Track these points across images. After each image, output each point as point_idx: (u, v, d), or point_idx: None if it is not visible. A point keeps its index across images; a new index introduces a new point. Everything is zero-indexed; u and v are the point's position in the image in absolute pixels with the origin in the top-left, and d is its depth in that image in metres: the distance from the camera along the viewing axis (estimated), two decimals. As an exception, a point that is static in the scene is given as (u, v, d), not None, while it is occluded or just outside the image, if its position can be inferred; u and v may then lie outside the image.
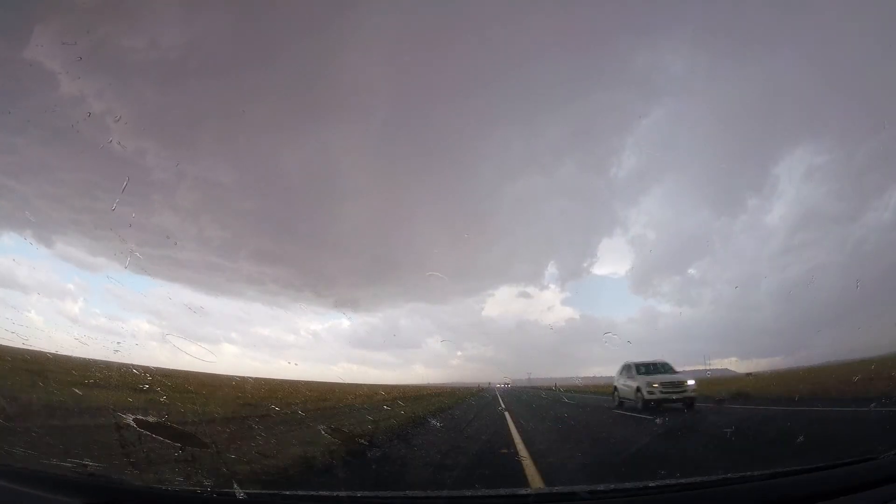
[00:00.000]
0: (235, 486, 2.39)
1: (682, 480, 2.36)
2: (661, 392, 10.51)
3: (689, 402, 10.28)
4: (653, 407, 10.39)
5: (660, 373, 11.40)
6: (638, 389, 11.18)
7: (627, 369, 12.29)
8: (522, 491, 3.20)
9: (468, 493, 2.95)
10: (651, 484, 2.31)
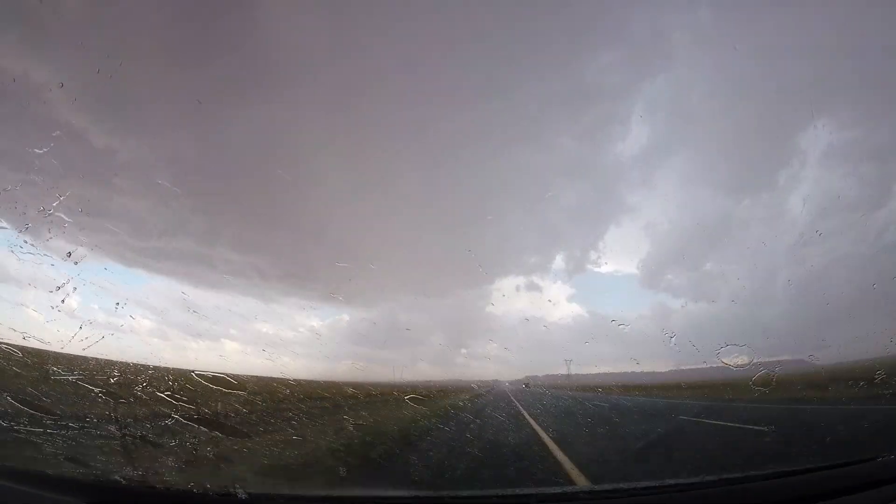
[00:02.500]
0: (236, 485, 2.40)
1: (683, 481, 2.36)
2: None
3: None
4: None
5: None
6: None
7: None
8: (525, 491, 3.20)
9: (470, 493, 2.96)
10: (651, 484, 2.32)
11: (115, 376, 3.63)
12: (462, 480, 3.58)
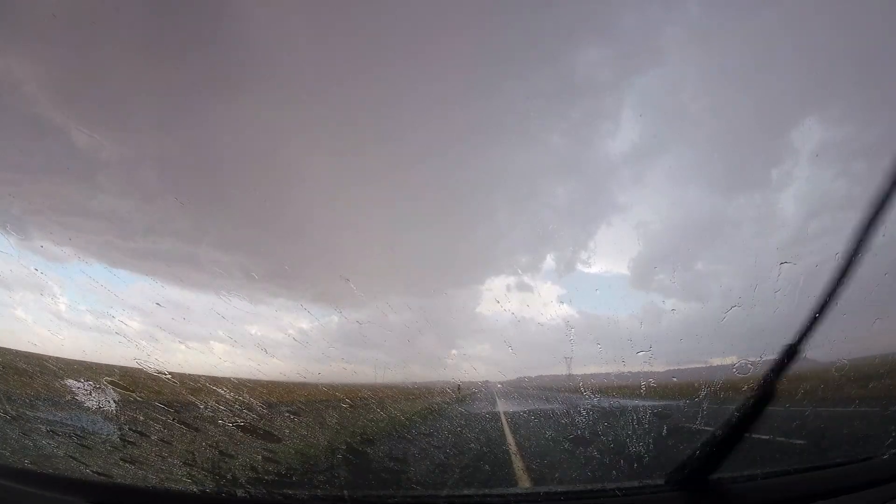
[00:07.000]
0: (236, 485, 2.39)
1: None
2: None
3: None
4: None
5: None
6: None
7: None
8: (526, 490, 3.20)
9: (470, 492, 2.96)
10: (648, 483, 2.32)
11: (110, 378, 3.59)
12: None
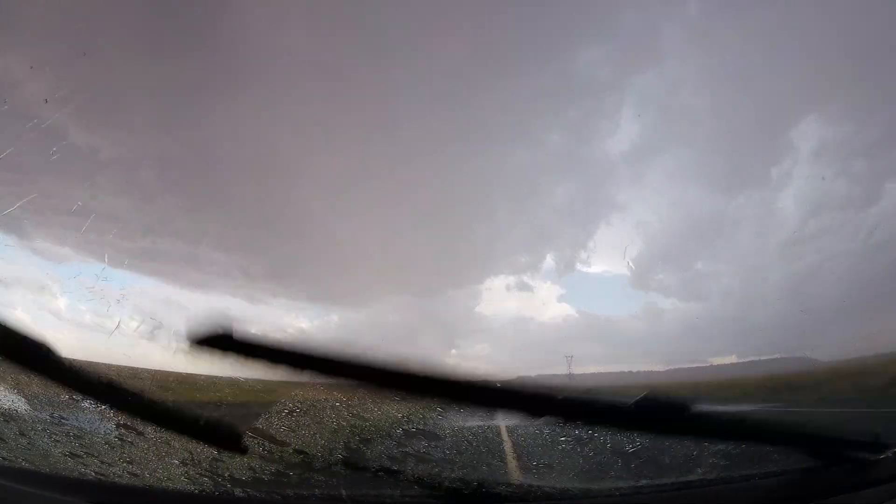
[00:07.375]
0: (235, 485, 2.39)
1: (679, 480, 2.37)
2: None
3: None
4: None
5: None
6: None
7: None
8: (525, 490, 3.19)
9: (469, 491, 2.95)
10: (647, 483, 2.33)
11: (109, 378, 3.59)
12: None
